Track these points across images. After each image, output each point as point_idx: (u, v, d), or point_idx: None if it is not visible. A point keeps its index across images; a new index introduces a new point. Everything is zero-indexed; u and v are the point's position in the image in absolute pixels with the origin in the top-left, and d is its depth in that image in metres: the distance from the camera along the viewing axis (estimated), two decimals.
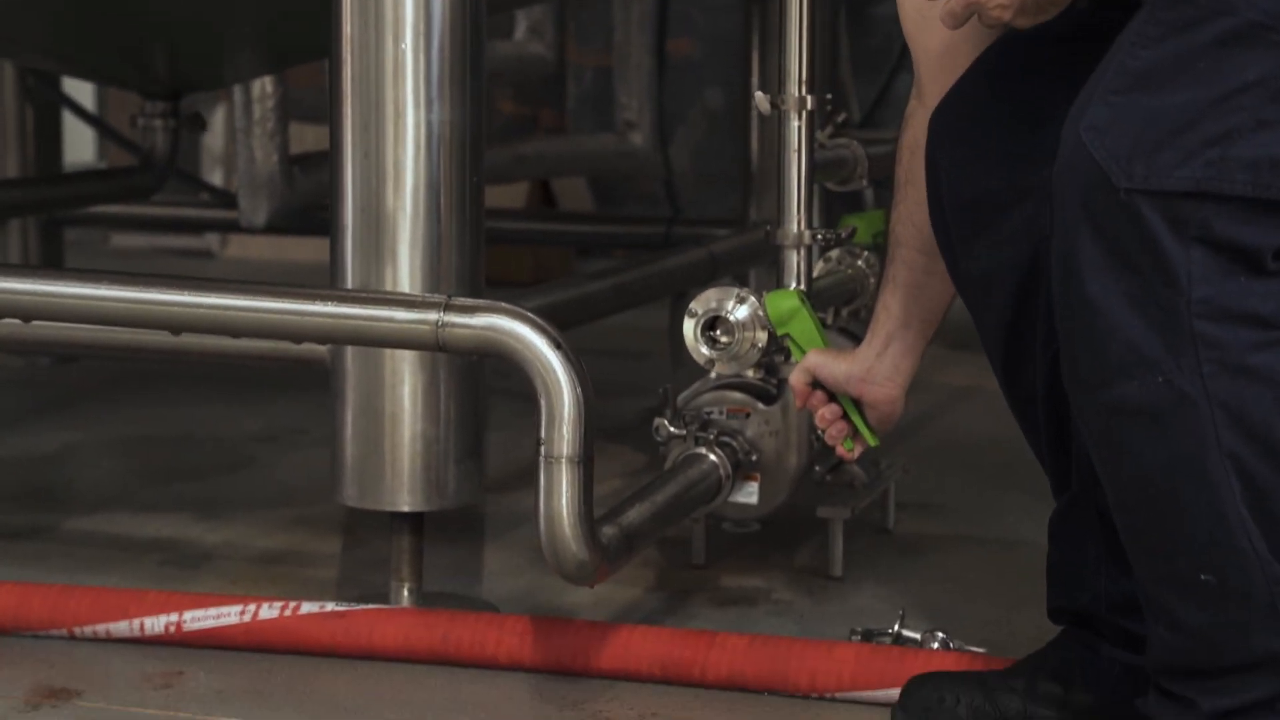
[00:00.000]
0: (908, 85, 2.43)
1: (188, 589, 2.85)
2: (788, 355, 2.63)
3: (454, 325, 2.34)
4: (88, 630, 2.64)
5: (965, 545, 3.22)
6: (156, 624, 2.62)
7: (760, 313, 2.57)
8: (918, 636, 2.58)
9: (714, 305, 2.59)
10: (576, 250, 6.42)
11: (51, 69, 4.37)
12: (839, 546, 2.98)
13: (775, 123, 2.75)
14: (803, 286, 2.76)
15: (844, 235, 2.87)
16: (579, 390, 2.30)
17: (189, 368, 4.11)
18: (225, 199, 4.60)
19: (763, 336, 2.57)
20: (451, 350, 2.37)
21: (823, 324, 3.04)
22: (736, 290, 2.59)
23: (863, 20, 6.04)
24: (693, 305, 2.60)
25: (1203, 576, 1.95)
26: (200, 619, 2.62)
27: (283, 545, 3.17)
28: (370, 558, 3.04)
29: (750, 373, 2.81)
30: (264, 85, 3.95)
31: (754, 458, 2.82)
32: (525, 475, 2.34)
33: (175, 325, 2.46)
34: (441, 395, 2.65)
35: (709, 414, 2.84)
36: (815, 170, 2.77)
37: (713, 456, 2.77)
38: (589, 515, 2.34)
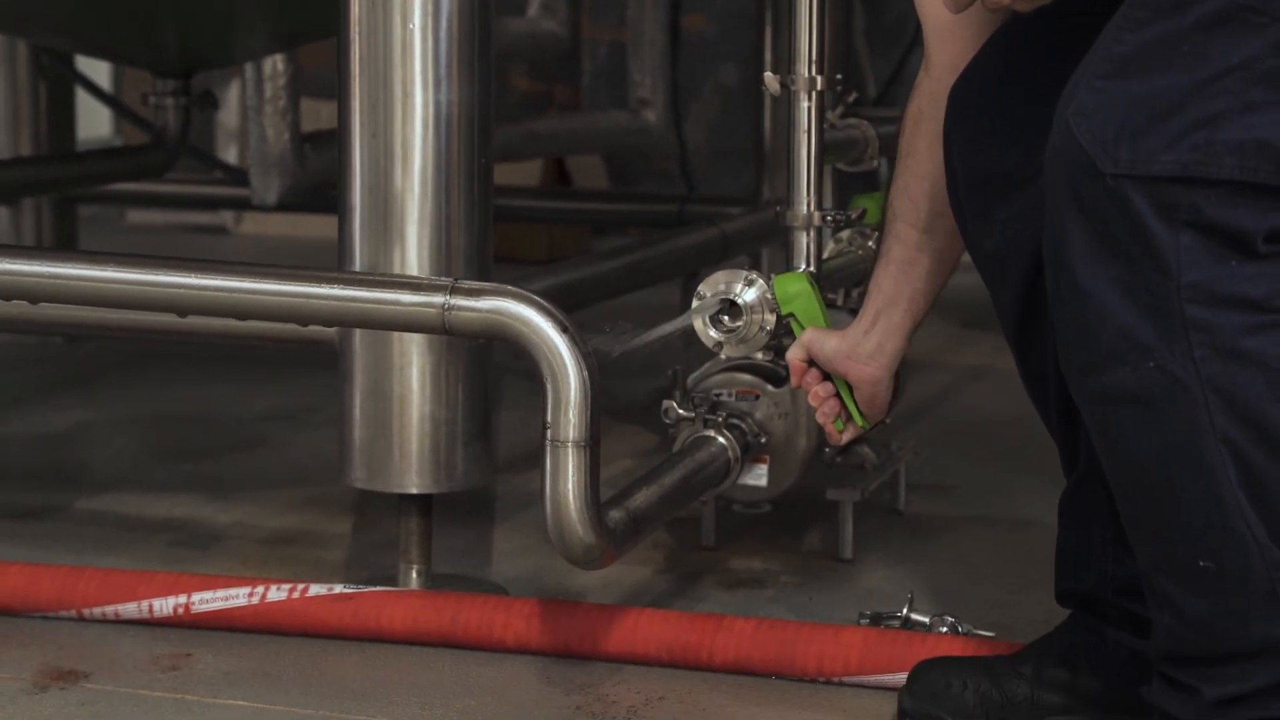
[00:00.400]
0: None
1: (197, 570, 2.85)
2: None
3: (460, 309, 2.34)
4: (96, 612, 2.64)
5: (976, 526, 3.21)
6: (165, 605, 2.62)
7: (769, 295, 2.56)
8: (926, 620, 2.58)
9: (722, 288, 2.57)
10: (591, 228, 6.41)
11: (63, 47, 4.37)
12: (849, 528, 2.98)
13: (786, 102, 2.74)
14: (812, 268, 2.75)
15: (854, 216, 2.86)
16: (585, 374, 2.30)
17: (201, 346, 4.10)
18: (238, 176, 4.59)
19: (771, 319, 2.56)
20: (458, 334, 2.37)
21: (833, 305, 3.04)
22: (745, 273, 2.58)
23: None
24: (700, 288, 2.59)
25: (1201, 563, 1.94)
26: (209, 601, 2.62)
27: (293, 526, 3.17)
28: (380, 539, 3.04)
29: (760, 355, 2.80)
30: (275, 63, 3.93)
31: (763, 440, 2.81)
32: (537, 455, 2.33)
33: (181, 307, 2.45)
34: (450, 377, 2.65)
35: (718, 396, 2.83)
36: (825, 151, 2.76)
37: (721, 439, 2.76)
38: (595, 499, 2.33)
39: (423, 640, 2.58)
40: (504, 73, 6.67)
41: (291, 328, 2.65)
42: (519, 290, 2.35)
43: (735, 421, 2.79)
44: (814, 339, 2.47)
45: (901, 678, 2.36)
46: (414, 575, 2.72)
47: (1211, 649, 1.98)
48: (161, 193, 4.92)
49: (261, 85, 3.92)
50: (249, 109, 3.94)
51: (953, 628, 2.55)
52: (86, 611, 2.64)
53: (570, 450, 2.30)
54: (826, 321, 2.55)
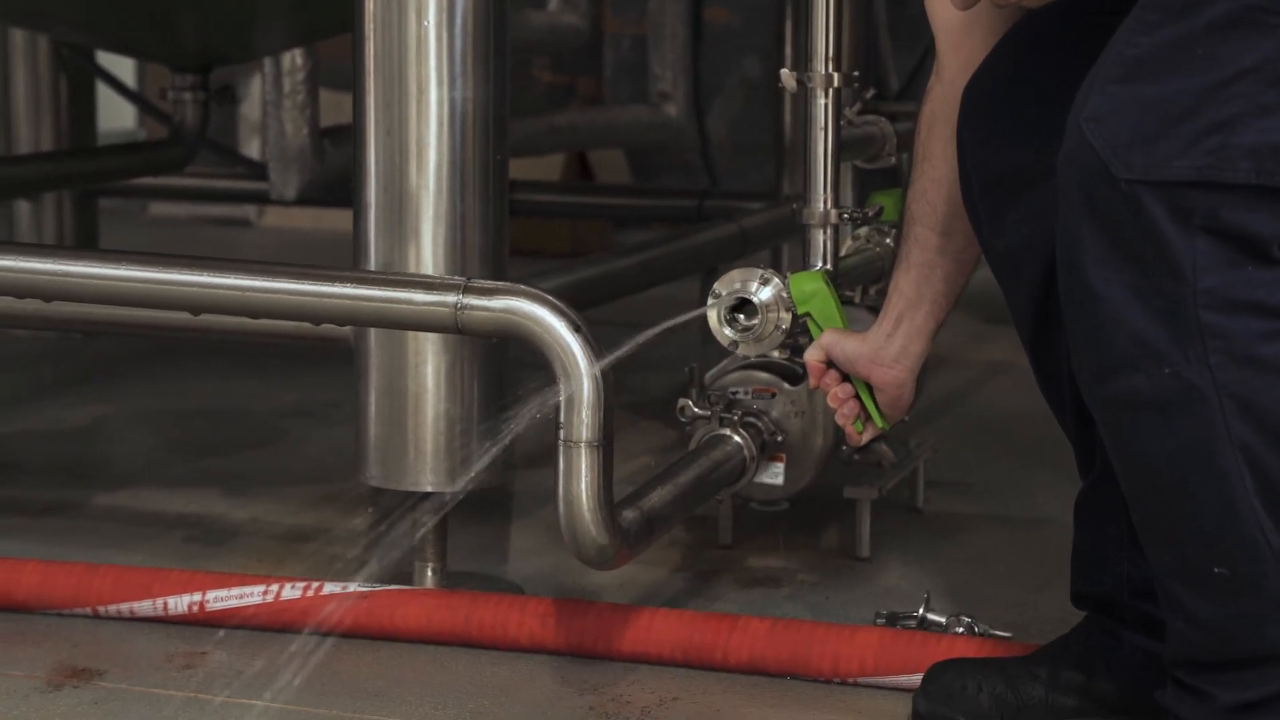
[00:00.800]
0: None
1: (213, 567, 2.85)
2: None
3: (473, 308, 2.33)
4: (111, 609, 2.64)
5: (994, 525, 3.20)
6: (180, 603, 2.62)
7: (784, 294, 2.54)
8: (943, 620, 2.56)
9: (737, 286, 2.56)
10: (613, 223, 6.40)
11: (82, 43, 4.37)
12: (866, 527, 2.97)
13: (804, 98, 2.72)
14: (829, 266, 2.73)
15: (871, 214, 2.84)
16: (598, 374, 2.29)
17: (221, 341, 4.10)
18: (258, 170, 4.59)
19: (787, 318, 2.55)
20: (470, 333, 2.36)
21: (850, 302, 3.02)
22: (760, 271, 2.56)
23: None
24: (716, 286, 2.57)
25: (1215, 569, 1.93)
26: (223, 599, 2.62)
27: (310, 522, 3.17)
28: (398, 536, 3.03)
29: (776, 353, 2.79)
30: (294, 58, 3.93)
31: (779, 438, 2.80)
32: (556, 452, 2.33)
33: (193, 306, 2.45)
34: (465, 375, 2.64)
35: (734, 394, 2.82)
36: (843, 148, 2.74)
37: (737, 438, 2.75)
38: (609, 500, 2.32)
39: (437, 639, 2.57)
40: (526, 66, 6.66)
41: (306, 326, 2.65)
42: (532, 290, 2.34)
43: (751, 420, 2.78)
44: (833, 341, 2.45)
45: (917, 679, 2.35)
46: (429, 574, 2.71)
47: (1225, 654, 1.97)
48: (182, 187, 4.92)
49: (280, 80, 3.92)
50: (268, 104, 3.94)
51: (969, 628, 2.53)
52: (102, 609, 2.64)
53: (583, 450, 2.30)
54: (843, 321, 2.53)
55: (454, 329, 2.35)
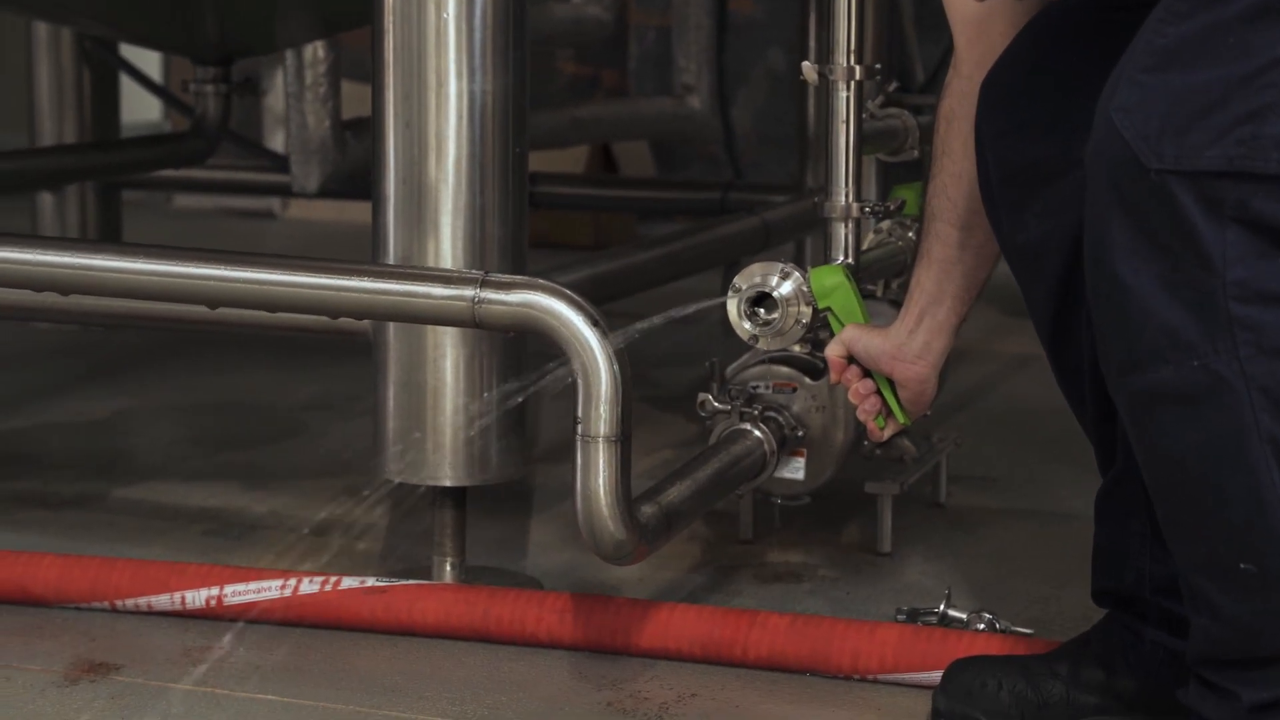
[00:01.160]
0: None
1: (232, 560, 2.84)
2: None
3: (490, 302, 2.32)
4: (129, 603, 2.64)
5: (1017, 519, 3.18)
6: (197, 598, 2.62)
7: (804, 288, 2.53)
8: (964, 616, 2.55)
9: (758, 280, 2.54)
10: (637, 215, 6.39)
11: (103, 35, 4.37)
12: (887, 522, 2.95)
13: (826, 90, 2.71)
14: (850, 260, 2.72)
15: (893, 207, 2.82)
16: (616, 368, 2.27)
17: (241, 334, 4.10)
18: (280, 162, 4.58)
19: (807, 312, 2.53)
20: (488, 327, 2.35)
21: (872, 296, 3.01)
22: (781, 265, 2.55)
23: None
24: (736, 280, 2.56)
25: (1242, 565, 1.91)
26: (241, 593, 2.61)
27: (329, 516, 3.16)
28: (416, 530, 3.02)
29: (797, 347, 2.77)
30: (315, 50, 3.93)
31: (800, 433, 2.78)
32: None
33: (210, 299, 2.44)
34: (484, 369, 2.62)
35: (755, 388, 2.80)
36: (865, 142, 2.72)
37: (757, 432, 2.74)
38: (627, 495, 2.31)
39: (455, 634, 2.56)
40: (550, 58, 6.65)
41: (324, 319, 2.64)
42: (550, 283, 2.32)
43: (772, 414, 2.77)
44: (855, 337, 2.44)
45: (936, 676, 2.33)
46: (448, 568, 2.70)
47: (1251, 652, 1.95)
48: (205, 179, 4.92)
49: (301, 72, 3.92)
50: (289, 96, 3.94)
51: (990, 624, 2.52)
52: (119, 603, 2.64)
53: (601, 445, 2.28)
54: (864, 315, 2.52)
55: (471, 323, 2.34)
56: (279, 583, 2.61)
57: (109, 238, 4.67)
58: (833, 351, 2.45)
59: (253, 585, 2.61)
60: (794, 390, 2.80)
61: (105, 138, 4.54)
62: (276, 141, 6.71)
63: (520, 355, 2.67)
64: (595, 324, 2.28)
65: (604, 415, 2.28)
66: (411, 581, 2.62)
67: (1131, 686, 2.22)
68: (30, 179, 4.19)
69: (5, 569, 2.66)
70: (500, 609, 2.54)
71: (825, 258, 2.73)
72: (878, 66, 2.75)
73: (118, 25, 3.80)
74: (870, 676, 2.42)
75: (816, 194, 2.81)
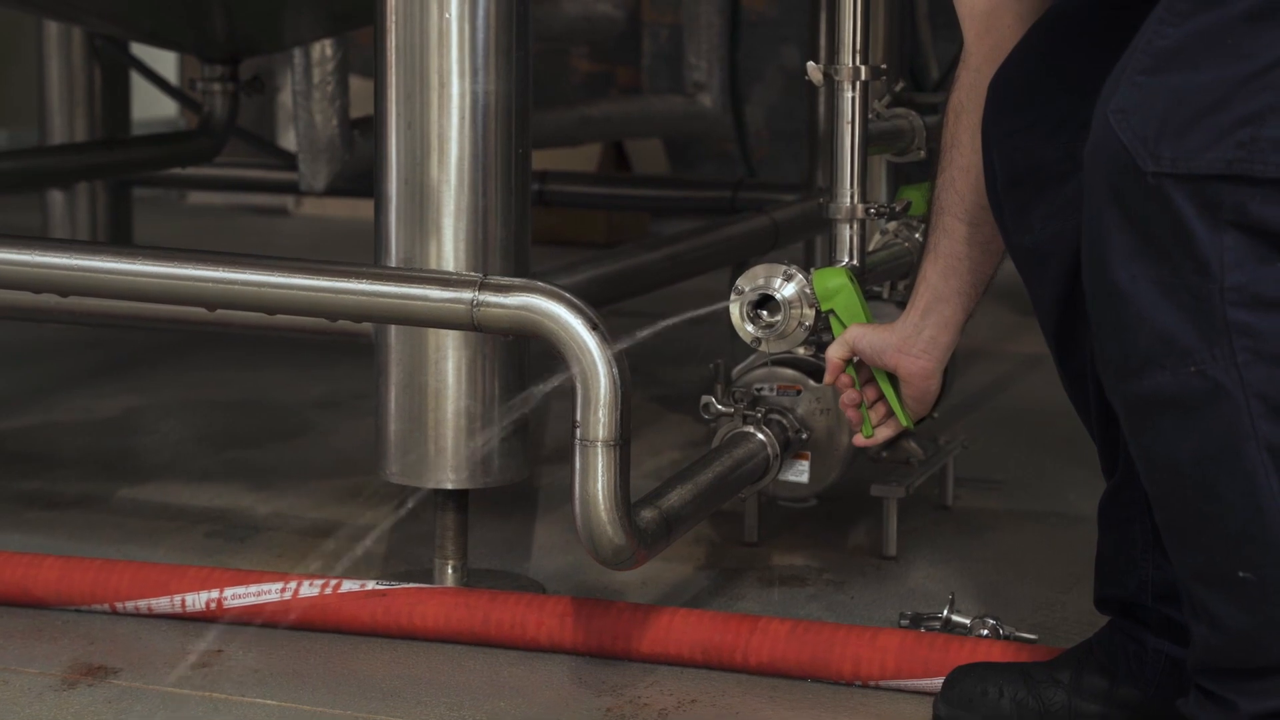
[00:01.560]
0: None
1: (236, 562, 2.84)
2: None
3: (489, 305, 2.30)
4: (129, 606, 2.63)
5: (1024, 523, 3.16)
6: (198, 600, 2.60)
7: (808, 290, 2.51)
8: (967, 622, 2.53)
9: (760, 282, 2.53)
10: (651, 212, 6.37)
11: (110, 33, 4.36)
12: (893, 525, 2.93)
13: (832, 90, 2.69)
14: (855, 261, 2.69)
15: (899, 208, 2.80)
16: (615, 373, 2.26)
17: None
18: (290, 160, 4.57)
19: (810, 314, 2.51)
20: (487, 330, 2.34)
21: (878, 298, 2.99)
22: (784, 267, 2.53)
23: None
24: (739, 282, 2.54)
25: (1241, 574, 1.89)
26: (241, 596, 2.60)
27: (333, 517, 3.15)
28: (420, 531, 3.00)
29: (801, 350, 2.75)
30: (324, 48, 3.91)
31: (804, 436, 2.77)
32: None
33: (209, 302, 2.43)
34: (486, 371, 2.61)
35: (759, 391, 2.79)
36: (871, 142, 2.70)
37: (760, 435, 2.72)
38: (626, 499, 2.29)
39: (455, 639, 2.55)
40: (564, 55, 6.63)
41: (325, 321, 2.62)
42: (549, 286, 2.31)
43: (775, 417, 2.75)
44: (860, 334, 2.42)
45: (938, 683, 2.32)
46: (449, 571, 2.69)
47: (1250, 661, 1.93)
48: (216, 176, 4.91)
49: (309, 71, 3.90)
50: (297, 95, 3.92)
51: (994, 630, 2.50)
52: (119, 605, 2.63)
53: (600, 450, 2.27)
54: (868, 317, 2.50)
55: (470, 326, 2.33)
56: (279, 585, 2.59)
57: (119, 235, 4.67)
58: (834, 353, 2.43)
59: (253, 588, 2.60)
60: (798, 393, 2.78)
61: (115, 136, 4.53)
62: (289, 140, 6.72)
63: (523, 357, 2.65)
64: (594, 328, 2.26)
65: (602, 420, 2.26)
66: (412, 585, 2.60)
67: (1134, 695, 2.20)
68: (40, 177, 4.19)
69: (7, 570, 2.65)
70: (500, 614, 2.53)
71: (830, 259, 2.71)
72: (884, 66, 2.72)
73: (125, 23, 3.79)
74: (871, 683, 2.40)
75: (824, 194, 2.79)
